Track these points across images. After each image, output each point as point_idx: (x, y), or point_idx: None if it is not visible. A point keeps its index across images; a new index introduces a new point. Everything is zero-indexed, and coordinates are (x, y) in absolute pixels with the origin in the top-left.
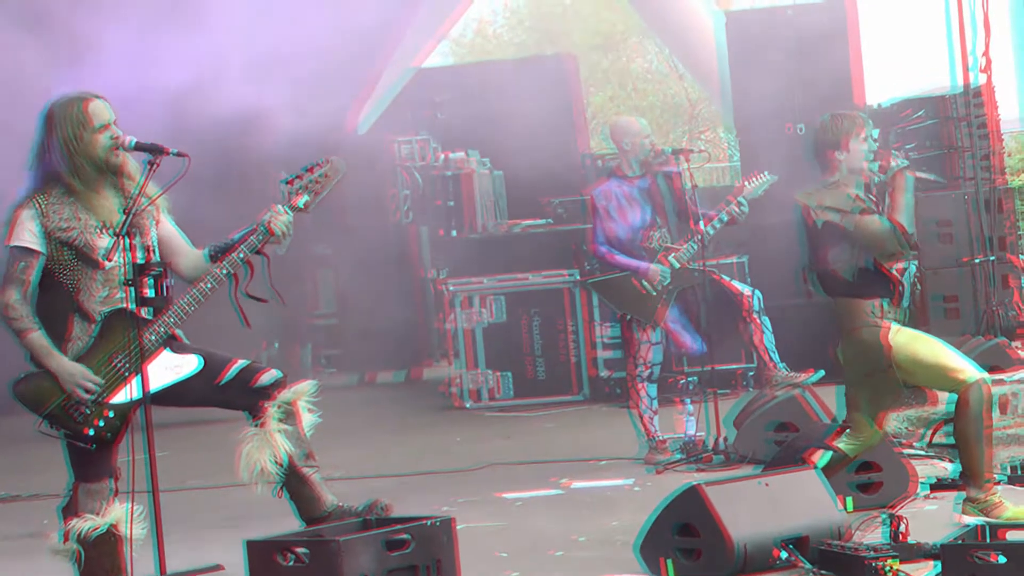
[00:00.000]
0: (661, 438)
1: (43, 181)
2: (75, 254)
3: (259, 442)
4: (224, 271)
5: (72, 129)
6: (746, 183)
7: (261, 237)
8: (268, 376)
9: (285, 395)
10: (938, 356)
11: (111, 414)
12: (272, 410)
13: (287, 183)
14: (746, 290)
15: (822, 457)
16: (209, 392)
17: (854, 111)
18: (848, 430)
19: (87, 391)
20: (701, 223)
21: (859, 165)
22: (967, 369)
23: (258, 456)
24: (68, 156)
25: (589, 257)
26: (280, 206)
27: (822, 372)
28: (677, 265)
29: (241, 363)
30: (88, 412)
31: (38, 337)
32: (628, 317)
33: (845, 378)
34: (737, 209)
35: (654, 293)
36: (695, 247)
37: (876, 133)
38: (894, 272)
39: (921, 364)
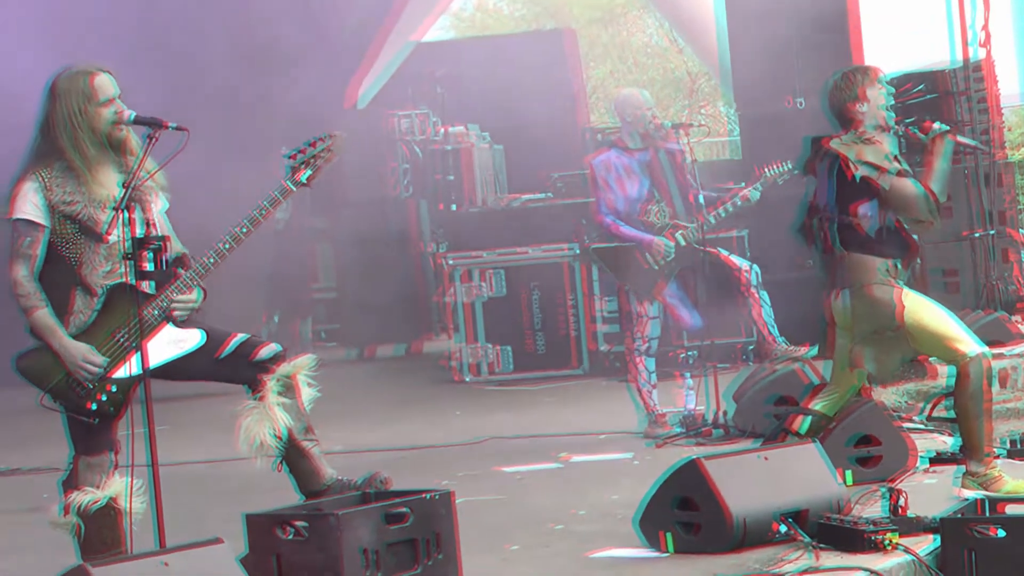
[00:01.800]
0: (660, 412)
1: (45, 154)
2: (78, 228)
3: (258, 415)
4: (224, 248)
5: (76, 102)
6: (766, 169)
7: (244, 230)
8: (267, 350)
9: (284, 369)
10: (943, 326)
11: (113, 388)
12: (271, 384)
13: (290, 157)
14: (744, 265)
15: (803, 423)
16: (209, 366)
17: (865, 65)
18: (823, 390)
19: (90, 371)
20: (702, 199)
21: (881, 114)
22: (968, 342)
23: (257, 429)
24: (71, 129)
25: (595, 227)
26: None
27: (814, 350)
28: (683, 243)
29: (240, 337)
30: (90, 387)
31: (44, 315)
32: (627, 288)
33: (853, 332)
34: (749, 195)
35: (656, 267)
36: (706, 227)
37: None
38: (912, 234)
39: (926, 331)
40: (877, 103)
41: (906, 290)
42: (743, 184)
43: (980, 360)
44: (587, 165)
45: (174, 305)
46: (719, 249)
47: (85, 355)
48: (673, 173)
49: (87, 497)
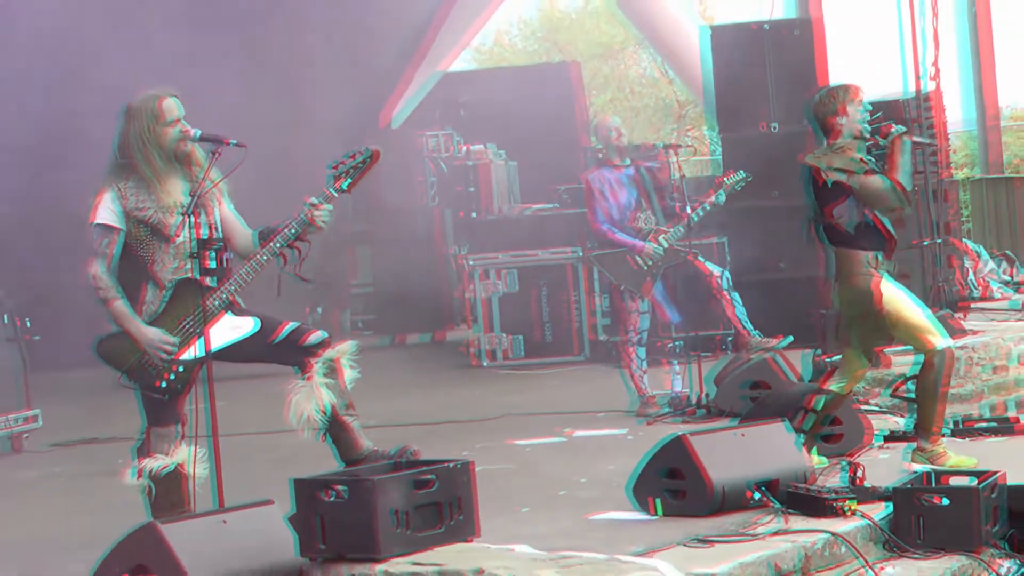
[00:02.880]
0: (650, 394)
1: (122, 168)
2: (149, 230)
3: (306, 393)
4: (276, 248)
5: (146, 123)
6: (725, 178)
7: (301, 227)
8: (315, 336)
9: (329, 353)
10: (917, 318)
11: (180, 369)
12: (317, 366)
13: (332, 167)
14: (715, 270)
15: (817, 401)
16: (264, 350)
17: (846, 84)
18: (836, 372)
19: (164, 353)
20: (688, 209)
21: (857, 127)
22: (938, 336)
23: (305, 405)
24: (142, 146)
25: (592, 235)
26: (316, 199)
27: (791, 338)
28: (666, 245)
29: (291, 325)
30: (161, 368)
31: (120, 305)
32: (621, 288)
33: (840, 319)
34: (714, 200)
35: (645, 268)
36: (682, 230)
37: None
38: (889, 228)
39: (901, 319)
40: (854, 117)
41: (885, 280)
42: (709, 191)
43: (945, 353)
44: (583, 181)
45: (317, 217)
46: (697, 255)
47: (160, 338)
48: (654, 186)
49: (157, 463)
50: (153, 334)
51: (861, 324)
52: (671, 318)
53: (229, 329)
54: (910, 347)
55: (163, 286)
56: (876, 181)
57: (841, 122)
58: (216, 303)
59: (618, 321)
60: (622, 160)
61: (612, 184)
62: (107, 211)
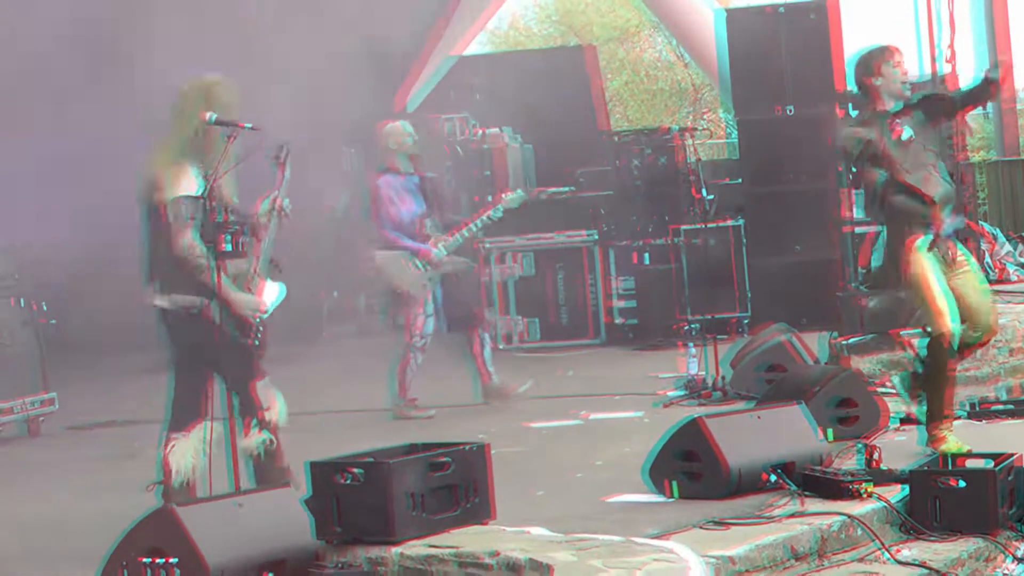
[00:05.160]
0: (412, 396)
1: (195, 144)
2: (222, 204)
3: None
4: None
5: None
6: (504, 194)
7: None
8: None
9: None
10: (928, 292)
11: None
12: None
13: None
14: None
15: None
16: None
17: (884, 44)
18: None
19: (260, 314)
20: (483, 218)
21: (895, 88)
22: (945, 318)
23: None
24: (207, 126)
25: (378, 239)
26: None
27: (528, 384)
28: (445, 252)
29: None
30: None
31: (214, 274)
32: (400, 291)
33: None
34: (490, 214)
35: (425, 271)
36: (460, 240)
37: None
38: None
39: (920, 291)
40: (890, 78)
41: (921, 246)
42: (488, 205)
43: (949, 339)
44: (371, 186)
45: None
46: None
47: (254, 303)
48: (434, 195)
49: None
50: (247, 299)
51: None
52: (436, 324)
53: (272, 292)
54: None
55: (235, 257)
56: (872, 175)
57: (877, 83)
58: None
59: (403, 326)
60: (406, 167)
61: (400, 191)
62: (192, 182)
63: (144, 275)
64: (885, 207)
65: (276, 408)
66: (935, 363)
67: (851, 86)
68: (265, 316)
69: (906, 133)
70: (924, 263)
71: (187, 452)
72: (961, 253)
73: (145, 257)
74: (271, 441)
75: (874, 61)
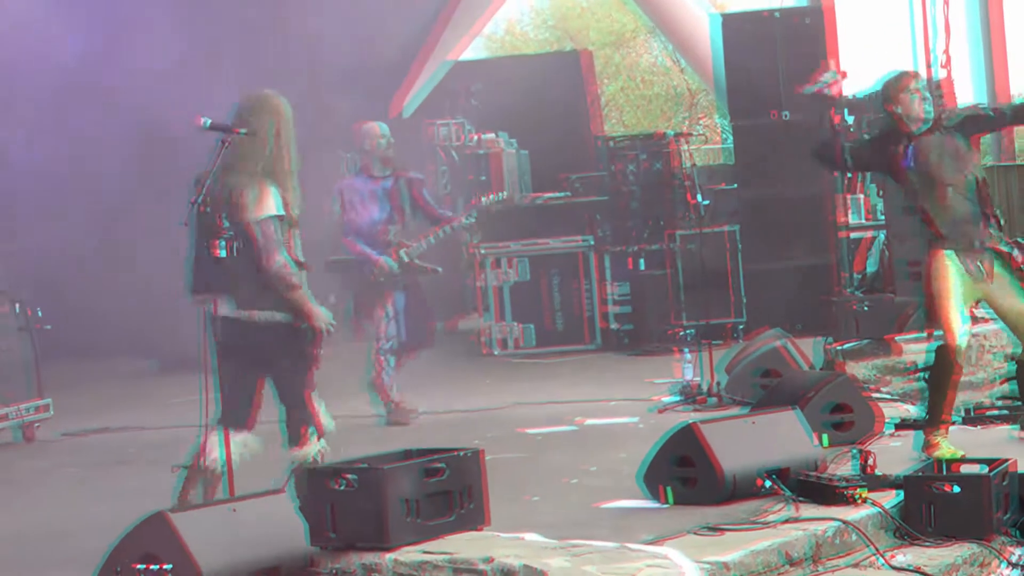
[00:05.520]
0: (396, 401)
1: (274, 161)
2: (289, 220)
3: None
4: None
5: (288, 120)
6: (483, 198)
7: None
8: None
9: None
10: (944, 304)
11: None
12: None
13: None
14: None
15: None
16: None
17: (907, 69)
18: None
19: (331, 328)
20: (454, 225)
21: (915, 113)
22: (956, 332)
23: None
24: (288, 142)
25: (340, 245)
26: None
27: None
28: (406, 259)
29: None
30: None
31: (304, 290)
32: (361, 297)
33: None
34: (465, 220)
35: (381, 280)
36: (423, 247)
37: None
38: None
39: (934, 301)
40: (908, 104)
41: (946, 256)
42: (465, 209)
43: (954, 352)
44: (335, 191)
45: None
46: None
47: (327, 318)
48: (411, 198)
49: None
50: (324, 312)
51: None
52: (399, 335)
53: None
54: (922, 335)
55: (302, 266)
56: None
57: (898, 111)
58: None
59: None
60: (382, 171)
61: (363, 196)
62: (276, 202)
63: (187, 285)
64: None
65: (324, 418)
66: (940, 370)
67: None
68: (332, 331)
69: (934, 154)
70: (943, 274)
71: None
72: (995, 264)
73: (216, 270)
74: (327, 450)
75: (891, 90)
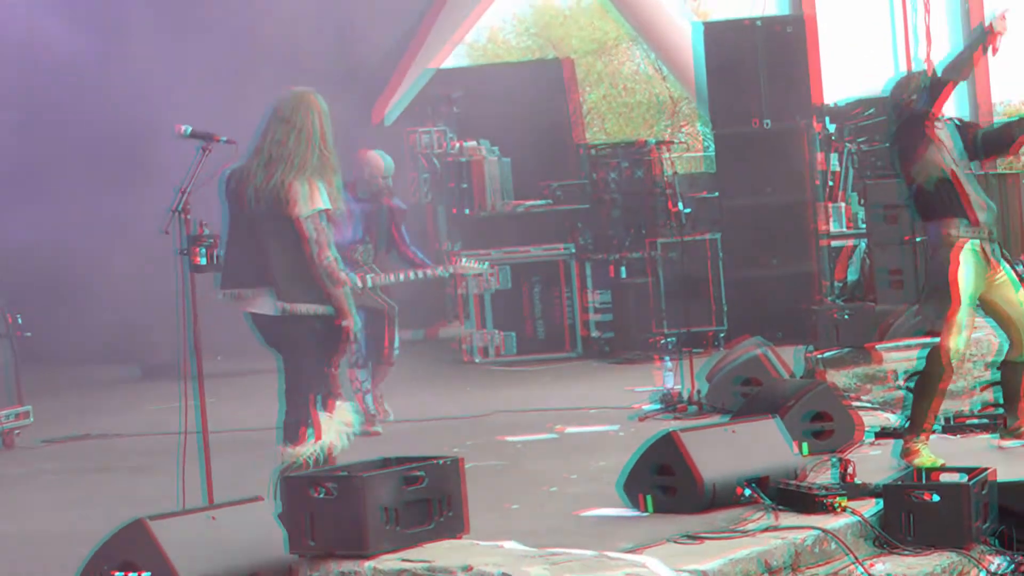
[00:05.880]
0: (372, 412)
1: (320, 158)
2: (327, 216)
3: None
4: None
5: (327, 120)
6: (465, 261)
7: None
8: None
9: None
10: (954, 302)
11: None
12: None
13: None
14: (396, 343)
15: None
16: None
17: (919, 70)
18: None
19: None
20: (428, 272)
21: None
22: (958, 332)
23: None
24: (330, 140)
25: None
26: None
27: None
28: (370, 284)
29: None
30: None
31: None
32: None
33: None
34: (439, 272)
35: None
36: (391, 281)
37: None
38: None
39: (947, 295)
40: None
41: (969, 250)
42: (444, 263)
43: (949, 354)
44: None
45: None
46: (392, 313)
47: (358, 326)
48: (388, 229)
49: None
50: (355, 317)
51: (934, 298)
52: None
53: None
54: (906, 343)
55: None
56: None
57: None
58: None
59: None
60: (363, 194)
61: (341, 213)
62: (324, 197)
63: (221, 281)
64: (934, 207)
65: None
66: (930, 374)
67: (889, 105)
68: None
69: (947, 132)
70: (963, 269)
71: (330, 430)
72: (997, 259)
73: (256, 265)
74: (320, 455)
75: (914, 82)
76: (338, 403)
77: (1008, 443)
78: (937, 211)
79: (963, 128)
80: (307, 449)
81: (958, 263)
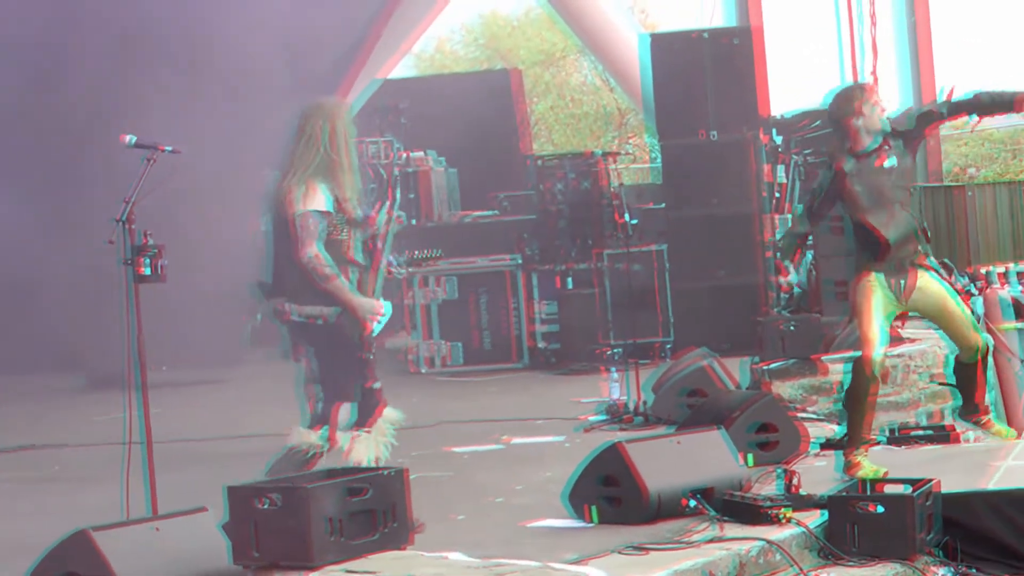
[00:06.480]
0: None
1: (328, 160)
2: (345, 218)
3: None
4: None
5: (347, 122)
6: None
7: None
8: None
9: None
10: (865, 319)
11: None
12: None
13: None
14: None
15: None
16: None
17: (861, 82)
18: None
19: (379, 315)
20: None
21: (876, 124)
22: (872, 343)
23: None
24: (345, 142)
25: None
26: None
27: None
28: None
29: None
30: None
31: (340, 281)
32: None
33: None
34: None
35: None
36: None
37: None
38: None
39: (857, 315)
40: (871, 116)
41: (871, 279)
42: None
43: (872, 366)
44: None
45: None
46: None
47: (373, 306)
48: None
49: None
50: (368, 303)
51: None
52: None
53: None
54: (851, 355)
55: (359, 267)
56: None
57: (858, 123)
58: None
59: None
60: None
61: None
62: (322, 199)
63: (262, 290)
64: (848, 238)
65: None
66: (856, 386)
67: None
68: (381, 324)
69: (889, 162)
70: (868, 292)
71: (369, 445)
72: (923, 277)
73: (269, 269)
74: (320, 454)
75: (856, 101)
76: (383, 413)
77: (964, 425)
78: (853, 240)
79: (923, 117)
80: (312, 438)
81: (858, 286)
